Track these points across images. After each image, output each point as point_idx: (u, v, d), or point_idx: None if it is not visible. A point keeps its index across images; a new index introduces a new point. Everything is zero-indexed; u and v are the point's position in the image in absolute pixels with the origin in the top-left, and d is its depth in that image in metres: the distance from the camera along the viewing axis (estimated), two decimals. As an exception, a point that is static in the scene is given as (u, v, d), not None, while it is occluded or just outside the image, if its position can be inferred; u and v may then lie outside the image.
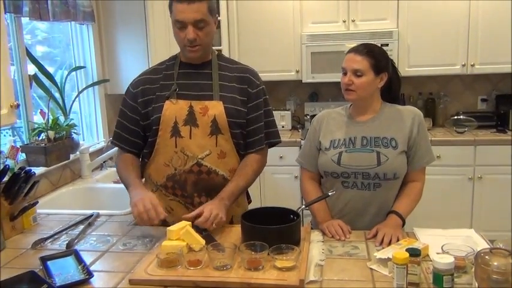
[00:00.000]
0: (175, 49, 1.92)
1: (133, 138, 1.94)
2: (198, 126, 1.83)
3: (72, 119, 2.97)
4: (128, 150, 1.95)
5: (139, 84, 1.91)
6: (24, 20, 2.66)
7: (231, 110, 1.85)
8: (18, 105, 1.82)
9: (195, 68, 1.89)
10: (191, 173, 1.86)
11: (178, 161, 1.85)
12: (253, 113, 1.92)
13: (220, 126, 1.84)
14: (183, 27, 1.75)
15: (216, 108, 1.83)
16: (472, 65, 3.84)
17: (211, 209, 1.72)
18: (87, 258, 1.65)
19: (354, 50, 1.86)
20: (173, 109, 1.83)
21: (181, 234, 1.62)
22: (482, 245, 1.63)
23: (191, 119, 1.83)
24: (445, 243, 1.52)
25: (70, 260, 1.62)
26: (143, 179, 2.00)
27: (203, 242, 1.61)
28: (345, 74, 1.86)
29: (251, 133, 1.93)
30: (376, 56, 1.84)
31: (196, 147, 1.84)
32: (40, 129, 2.70)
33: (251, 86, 1.91)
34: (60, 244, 1.82)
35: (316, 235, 1.79)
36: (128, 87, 1.95)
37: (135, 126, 1.92)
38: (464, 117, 4.02)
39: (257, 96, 1.92)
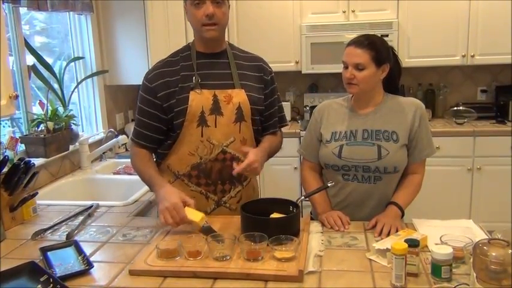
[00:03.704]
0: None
1: (155, 135, 1.88)
2: (223, 115, 1.85)
3: (71, 109, 2.96)
4: (149, 147, 1.90)
5: (157, 78, 1.85)
6: (22, 10, 2.64)
7: (252, 97, 1.90)
8: (17, 96, 1.81)
9: (212, 57, 1.89)
10: (216, 161, 1.88)
11: (204, 150, 1.87)
12: (269, 98, 2.00)
13: (244, 113, 1.88)
14: (200, 3, 1.74)
15: (239, 96, 1.87)
16: (472, 56, 3.83)
17: (256, 157, 1.78)
18: (87, 249, 1.65)
19: (354, 43, 1.83)
20: (199, 99, 1.83)
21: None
22: (480, 235, 1.63)
23: (216, 108, 1.85)
24: (444, 234, 1.53)
25: (70, 251, 1.63)
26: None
27: (202, 214, 1.69)
28: (346, 67, 1.84)
29: (267, 117, 2.01)
30: (377, 47, 1.81)
31: (222, 135, 1.86)
32: (39, 120, 2.69)
33: (266, 74, 1.99)
34: (60, 235, 1.83)
35: (315, 226, 1.80)
36: (144, 83, 1.87)
37: (157, 122, 1.86)
38: (463, 108, 4.02)
39: (271, 83, 2.02)
